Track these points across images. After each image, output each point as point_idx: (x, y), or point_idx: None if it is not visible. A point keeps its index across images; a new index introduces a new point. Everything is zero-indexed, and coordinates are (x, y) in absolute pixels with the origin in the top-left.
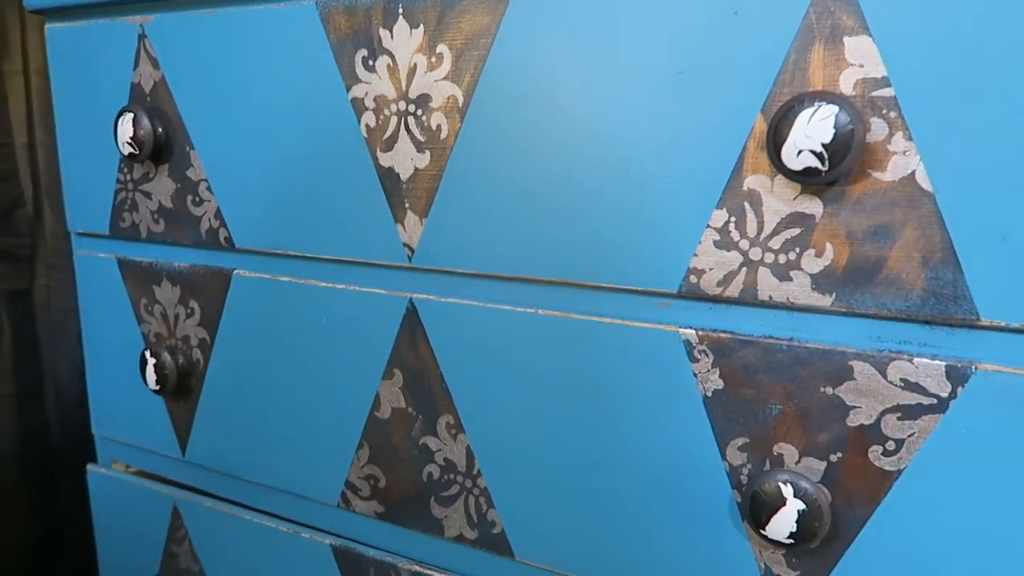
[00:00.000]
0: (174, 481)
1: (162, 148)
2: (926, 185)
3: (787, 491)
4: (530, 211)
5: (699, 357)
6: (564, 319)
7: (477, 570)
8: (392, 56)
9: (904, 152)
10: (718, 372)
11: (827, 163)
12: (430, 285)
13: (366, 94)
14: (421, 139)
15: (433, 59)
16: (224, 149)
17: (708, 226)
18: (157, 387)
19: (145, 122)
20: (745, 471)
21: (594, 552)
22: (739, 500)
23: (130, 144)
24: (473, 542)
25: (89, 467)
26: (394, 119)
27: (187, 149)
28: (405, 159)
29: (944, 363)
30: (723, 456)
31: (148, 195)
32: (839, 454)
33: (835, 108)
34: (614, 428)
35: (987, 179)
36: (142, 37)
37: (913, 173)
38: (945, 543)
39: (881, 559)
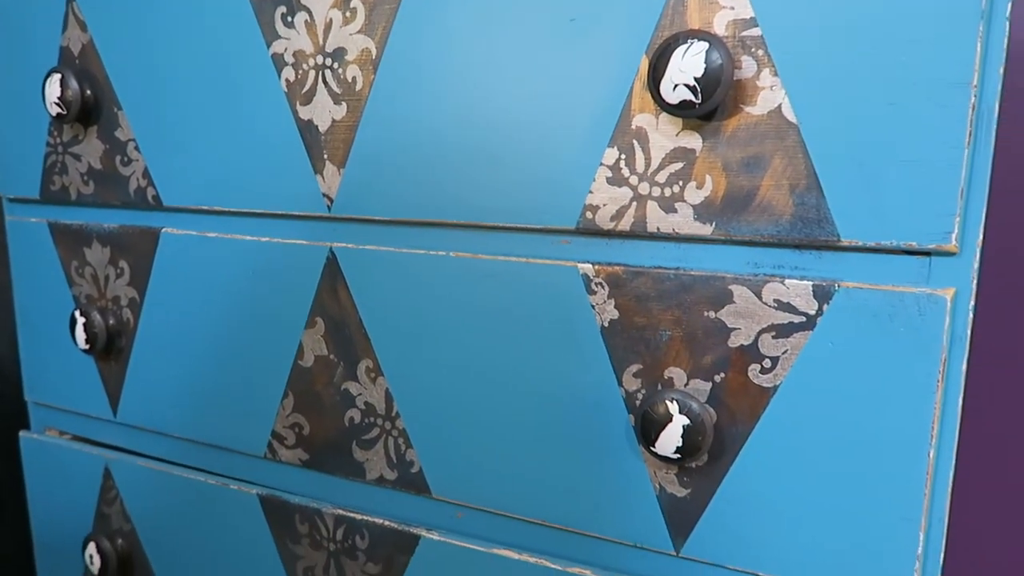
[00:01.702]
0: (106, 444)
1: (91, 110)
2: (791, 117)
3: (673, 408)
4: (440, 158)
5: (596, 289)
6: (473, 260)
7: (397, 510)
8: (309, 12)
9: (771, 87)
10: (613, 303)
11: (700, 96)
12: (349, 234)
13: (285, 49)
14: (338, 91)
15: (348, 13)
16: (150, 109)
17: (601, 164)
18: (87, 346)
19: (73, 83)
20: (639, 396)
21: (504, 484)
22: (634, 424)
23: (57, 104)
24: (393, 483)
25: (22, 434)
26: (312, 73)
27: (115, 110)
28: (323, 111)
29: (811, 283)
30: (620, 383)
31: (77, 157)
32: (722, 374)
33: (706, 45)
34: (520, 363)
35: (844, 110)
36: (70, 0)
37: (779, 107)
38: (819, 450)
39: (763, 471)
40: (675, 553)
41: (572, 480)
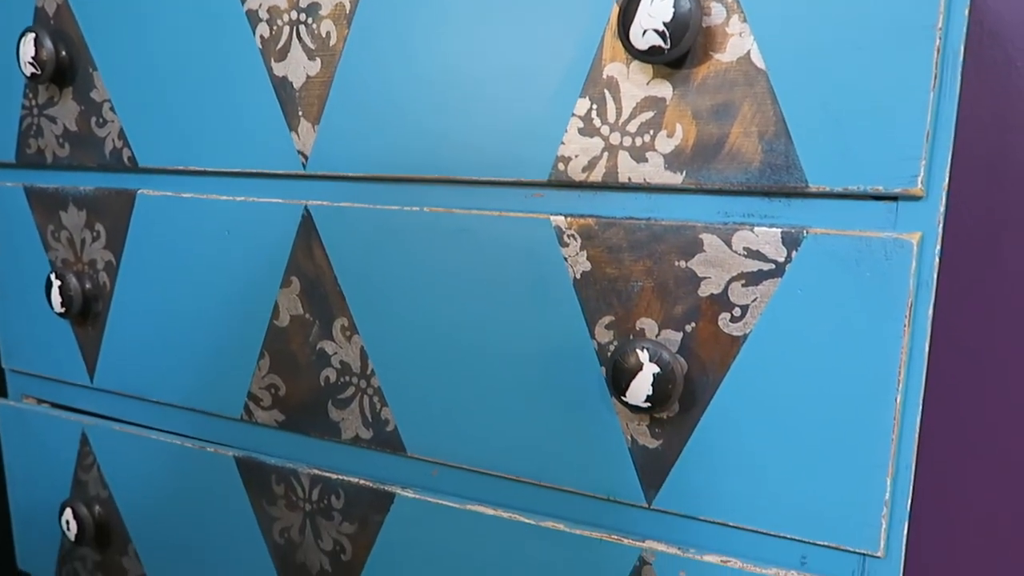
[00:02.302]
0: (83, 410)
1: (65, 70)
2: (760, 64)
3: (643, 356)
4: (413, 112)
5: (568, 242)
6: (447, 215)
7: (372, 469)
8: None
9: (740, 34)
10: (585, 255)
11: (669, 41)
12: (323, 191)
13: (260, 5)
14: (312, 47)
15: None
16: (125, 69)
17: (573, 115)
18: (63, 310)
19: (48, 43)
20: (611, 348)
21: (478, 441)
22: (606, 375)
23: (32, 64)
24: (368, 442)
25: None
26: (287, 28)
27: (90, 71)
28: (297, 67)
29: (780, 230)
30: (592, 335)
31: (53, 119)
32: (693, 324)
33: None
34: (493, 317)
35: (812, 56)
36: None
37: (748, 53)
38: (787, 399)
39: (733, 421)
40: (647, 505)
41: (545, 435)
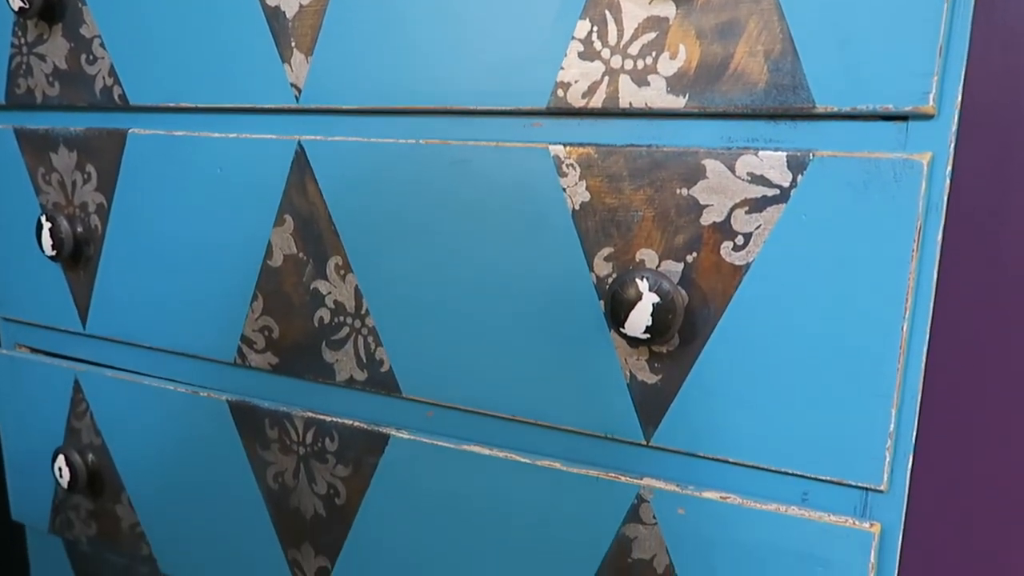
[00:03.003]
0: (76, 358)
1: (55, 5)
2: None
3: (643, 286)
4: (408, 41)
5: (567, 171)
6: (443, 146)
7: (367, 411)
8: None
9: None
10: (584, 185)
11: None
12: (317, 126)
13: None
14: None
15: None
16: (115, 2)
17: (573, 38)
18: (53, 252)
19: None
20: (610, 281)
21: (474, 380)
22: (605, 308)
23: None
24: (363, 384)
25: None
26: None
27: (79, 5)
28: None
29: (786, 154)
30: (591, 268)
31: (42, 58)
32: (694, 254)
33: None
34: (490, 252)
35: None
36: None
37: None
38: (790, 329)
39: (735, 354)
40: (645, 442)
41: (542, 373)
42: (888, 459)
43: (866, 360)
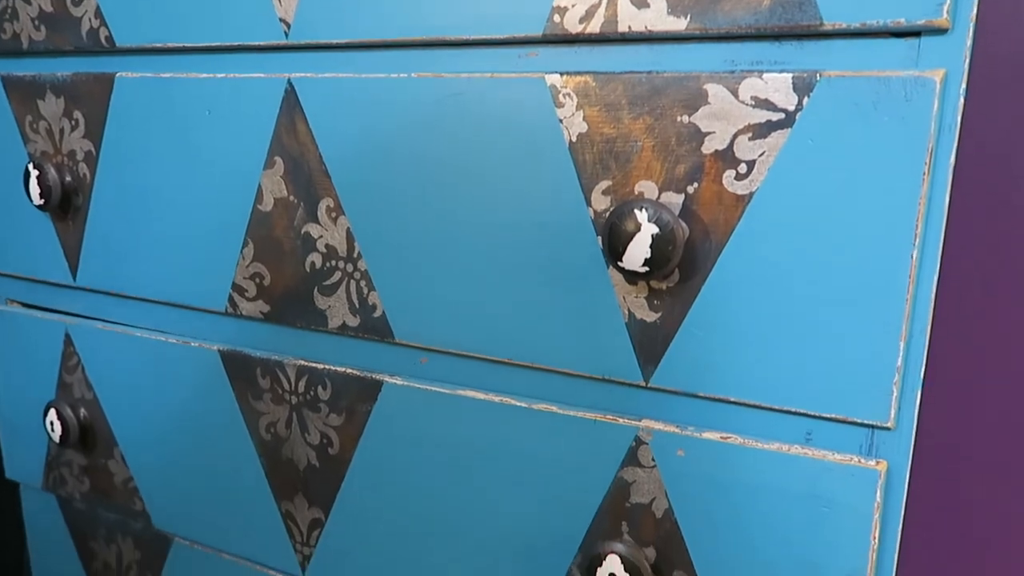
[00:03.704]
0: (67, 311)
1: None
2: None
3: (642, 217)
4: None
5: (564, 102)
6: (436, 80)
7: (360, 358)
8: None
9: None
10: (582, 115)
11: None
12: (306, 63)
13: None
14: None
15: None
16: None
17: None
18: (41, 201)
19: None
20: (608, 216)
21: (468, 324)
22: (602, 243)
23: None
24: (355, 330)
25: None
26: None
27: None
28: None
29: (791, 75)
30: (588, 203)
31: (28, 1)
32: (695, 184)
33: None
34: (485, 189)
35: None
36: None
37: None
38: (795, 261)
39: (737, 288)
40: (644, 383)
41: (538, 315)
42: (895, 395)
43: (873, 291)
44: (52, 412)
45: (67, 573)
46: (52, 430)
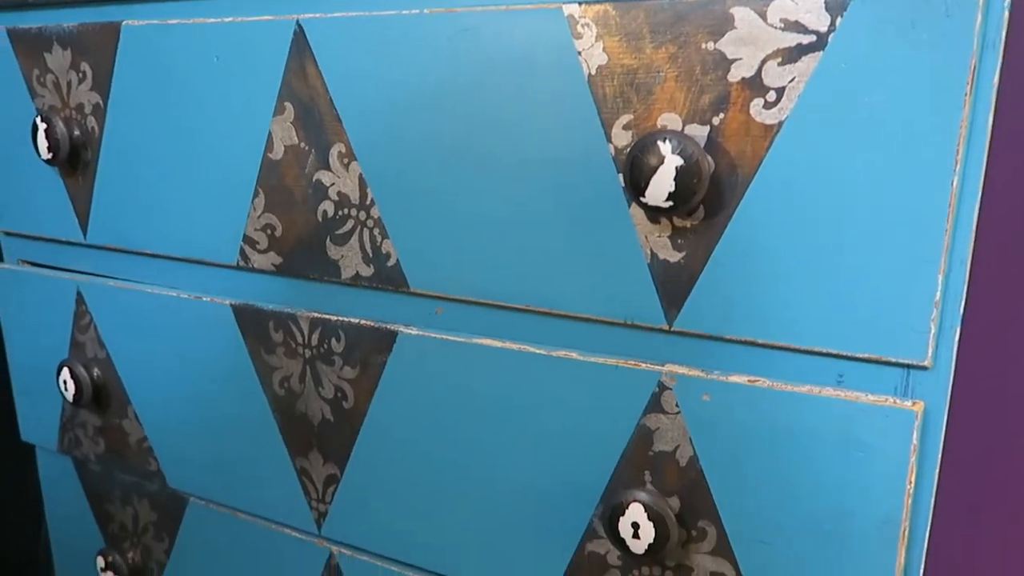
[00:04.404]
0: (79, 270)
1: None
2: None
3: (665, 148)
4: None
5: (582, 32)
6: (448, 15)
7: (374, 309)
8: None
9: None
10: (601, 46)
11: None
12: (315, 2)
13: None
14: None
15: None
16: None
17: None
18: (50, 155)
19: None
20: (629, 150)
21: (484, 271)
22: (624, 178)
23: None
24: (369, 279)
25: None
26: None
27: None
28: None
29: None
30: (608, 139)
31: None
32: (721, 115)
33: None
34: (500, 128)
35: None
36: None
37: None
38: (826, 192)
39: (765, 223)
40: (667, 327)
41: (557, 259)
42: (933, 332)
43: (910, 222)
44: (65, 371)
45: (84, 536)
46: (65, 389)
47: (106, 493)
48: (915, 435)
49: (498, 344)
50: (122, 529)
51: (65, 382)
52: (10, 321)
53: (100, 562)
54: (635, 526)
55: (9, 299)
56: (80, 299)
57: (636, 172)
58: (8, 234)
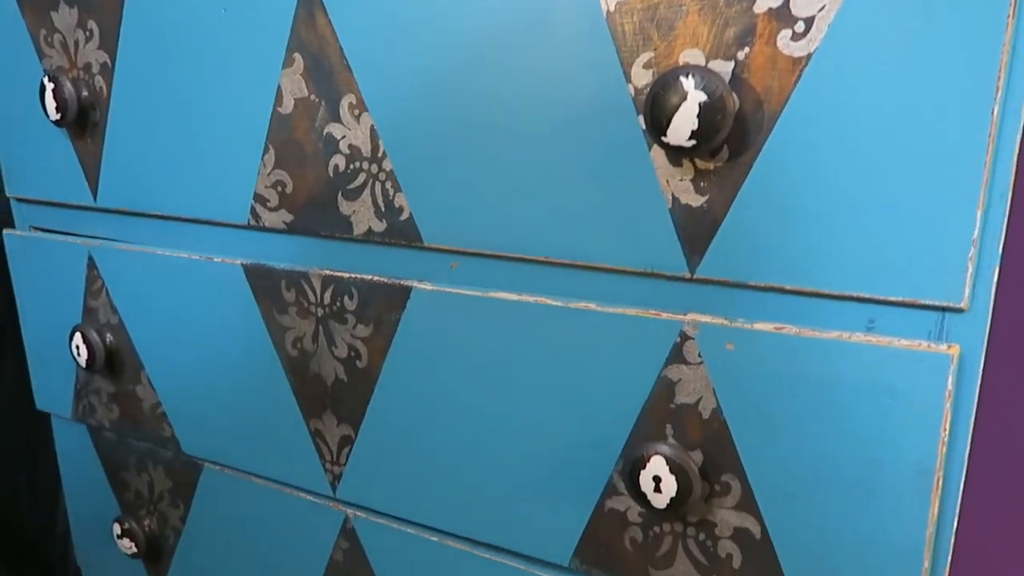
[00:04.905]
0: (90, 235)
1: None
2: None
3: (688, 84)
4: None
5: None
6: None
7: (387, 266)
8: None
9: None
10: None
11: None
12: None
13: None
14: None
15: None
16: None
17: None
18: (58, 116)
19: None
20: (650, 88)
21: (500, 223)
22: (644, 117)
23: None
24: (382, 235)
25: (5, 232)
26: None
27: None
28: None
29: None
30: (628, 79)
31: None
32: (746, 49)
33: None
34: (514, 72)
35: None
36: None
37: None
38: (858, 128)
39: (791, 163)
40: (689, 275)
41: (575, 208)
42: (970, 271)
43: (946, 155)
44: (77, 335)
45: (101, 505)
46: (78, 355)
47: (121, 461)
48: (950, 380)
49: (515, 297)
50: (138, 497)
51: (77, 347)
52: (23, 289)
53: (116, 529)
54: (656, 479)
55: (22, 266)
56: (92, 264)
57: (657, 110)
58: (19, 200)
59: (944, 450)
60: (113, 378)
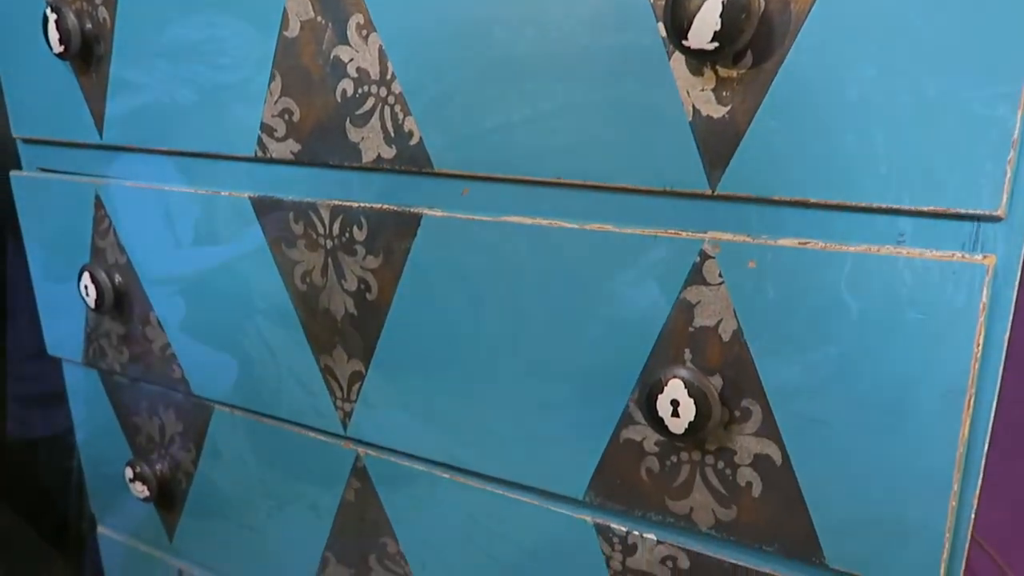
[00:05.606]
0: (97, 174)
1: None
2: None
3: None
4: None
5: None
6: None
7: (397, 194)
8: None
9: None
10: None
11: None
12: None
13: None
14: None
15: None
16: None
17: None
18: (61, 48)
19: None
20: None
21: (512, 145)
22: (664, 21)
23: None
24: (391, 161)
25: (12, 173)
26: None
27: None
28: None
29: None
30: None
31: None
32: None
33: None
34: None
35: None
36: None
37: None
38: (888, 23)
39: (819, 66)
40: (710, 191)
41: (590, 124)
42: (1008, 176)
43: (984, 49)
44: (86, 275)
45: (112, 449)
46: (87, 295)
47: (132, 405)
48: (985, 292)
49: (528, 221)
50: (149, 440)
51: (86, 287)
52: (32, 232)
53: (128, 473)
54: (674, 403)
55: (29, 208)
56: (99, 203)
57: (679, 10)
58: (25, 141)
59: (976, 367)
60: (122, 319)
